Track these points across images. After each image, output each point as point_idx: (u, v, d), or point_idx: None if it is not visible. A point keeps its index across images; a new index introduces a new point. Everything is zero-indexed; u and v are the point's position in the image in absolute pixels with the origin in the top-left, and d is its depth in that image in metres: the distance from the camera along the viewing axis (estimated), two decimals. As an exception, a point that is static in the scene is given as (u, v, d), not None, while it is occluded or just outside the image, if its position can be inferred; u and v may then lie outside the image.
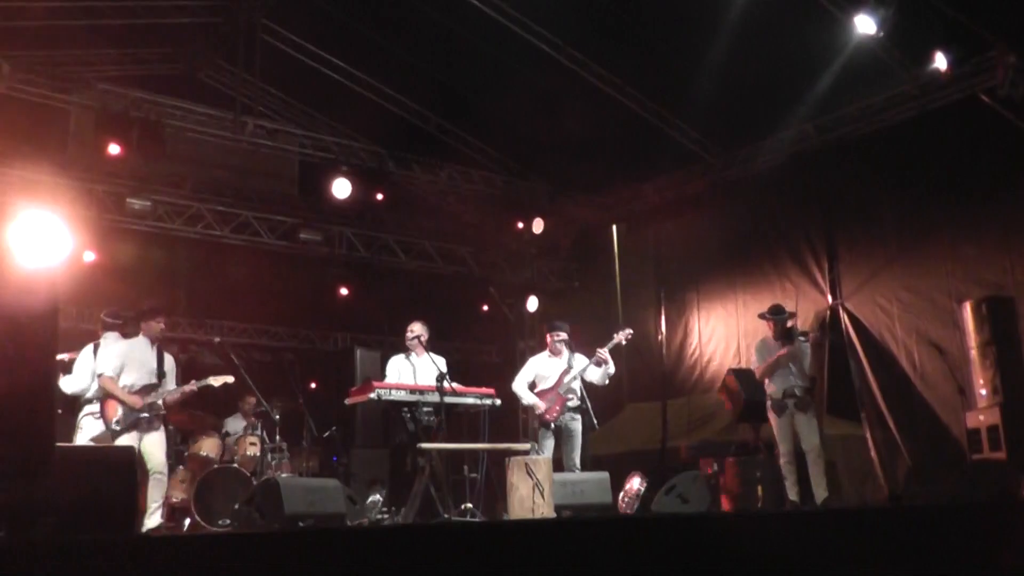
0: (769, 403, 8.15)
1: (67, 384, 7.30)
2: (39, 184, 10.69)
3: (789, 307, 8.70)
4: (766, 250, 10.94)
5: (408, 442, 7.47)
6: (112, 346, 7.38)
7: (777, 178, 10.60)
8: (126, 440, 6.95)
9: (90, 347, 7.50)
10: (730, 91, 9.70)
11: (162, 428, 7.37)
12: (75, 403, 7.38)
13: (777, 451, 8.05)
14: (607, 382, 8.28)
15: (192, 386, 7.47)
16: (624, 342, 8.41)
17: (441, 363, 7.99)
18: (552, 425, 8.10)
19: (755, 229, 10.86)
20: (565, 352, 8.32)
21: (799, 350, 8.15)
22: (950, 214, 9.22)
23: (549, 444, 8.08)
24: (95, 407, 7.19)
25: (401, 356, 8.26)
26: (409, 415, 7.48)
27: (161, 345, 7.55)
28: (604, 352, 8.14)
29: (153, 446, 7.17)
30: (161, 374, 7.35)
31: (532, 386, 8.36)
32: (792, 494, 7.92)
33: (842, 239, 10.25)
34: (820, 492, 7.80)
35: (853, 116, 9.89)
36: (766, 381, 8.19)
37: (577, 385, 8.21)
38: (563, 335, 8.39)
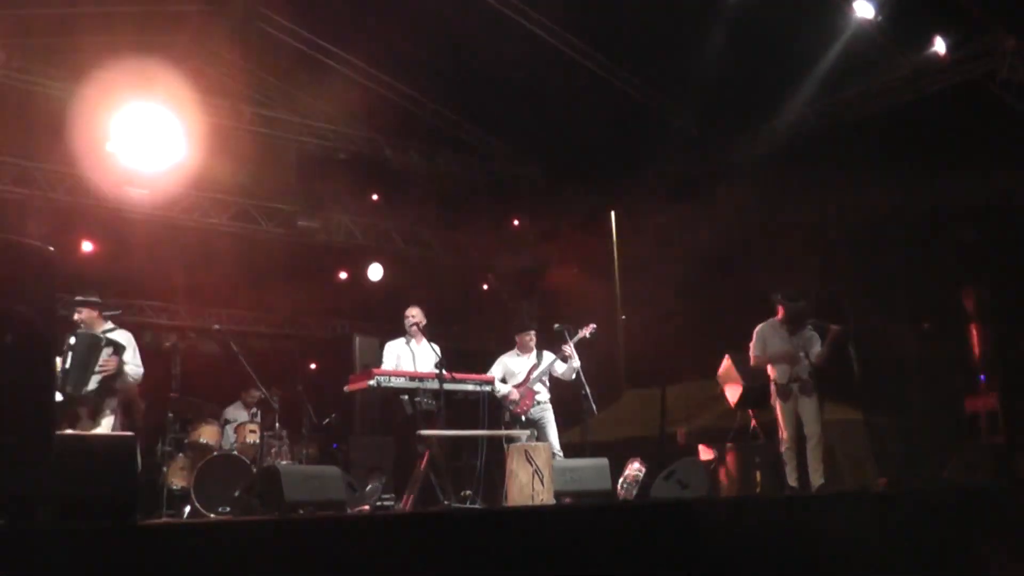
0: (774, 388, 8.08)
1: (135, 371, 7.27)
2: (36, 171, 10.69)
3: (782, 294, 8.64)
4: (765, 235, 10.93)
5: (408, 429, 7.47)
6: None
7: (776, 163, 10.58)
8: None
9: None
10: (729, 76, 9.68)
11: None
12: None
13: (780, 436, 8.04)
14: (573, 376, 8.43)
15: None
16: (588, 335, 8.63)
17: (436, 350, 8.03)
18: (523, 418, 8.39)
19: (754, 213, 10.84)
20: (534, 350, 8.67)
21: (808, 338, 8.10)
22: (950, 198, 9.20)
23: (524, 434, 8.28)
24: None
25: (400, 341, 8.26)
26: (408, 402, 7.49)
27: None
28: (569, 348, 8.40)
29: None
30: None
31: (503, 382, 8.63)
32: (792, 480, 7.89)
33: (840, 222, 10.24)
34: (816, 478, 7.80)
35: (852, 100, 9.88)
36: (769, 366, 8.16)
37: (546, 378, 8.58)
38: (533, 334, 8.74)
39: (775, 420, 8.14)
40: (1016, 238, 8.65)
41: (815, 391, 7.99)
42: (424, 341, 8.05)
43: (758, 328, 8.34)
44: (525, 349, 8.71)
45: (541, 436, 8.35)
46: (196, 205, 11.70)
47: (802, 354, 8.00)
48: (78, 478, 4.19)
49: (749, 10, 8.71)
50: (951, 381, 8.87)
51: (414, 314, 8.23)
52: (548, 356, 8.58)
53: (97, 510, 4.12)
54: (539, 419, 8.45)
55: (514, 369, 8.65)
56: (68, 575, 3.30)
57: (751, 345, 8.33)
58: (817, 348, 8.07)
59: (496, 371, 8.67)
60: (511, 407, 8.44)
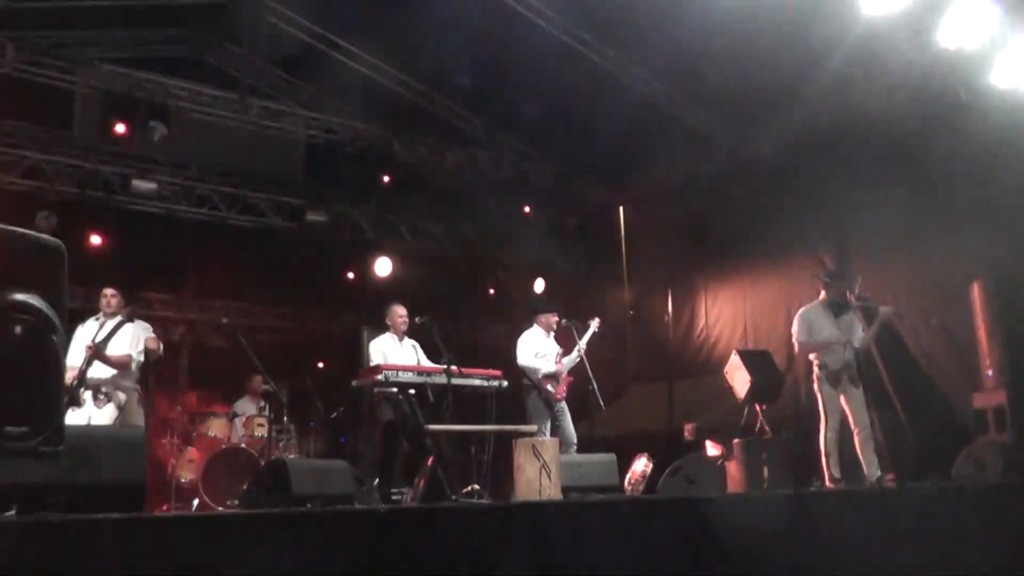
0: (820, 373, 7.91)
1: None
2: (45, 163, 10.71)
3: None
4: (773, 232, 10.90)
5: (411, 424, 7.47)
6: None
7: (785, 160, 10.55)
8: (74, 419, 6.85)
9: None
10: (740, 73, 9.65)
11: (111, 405, 7.16)
12: None
13: (823, 424, 7.84)
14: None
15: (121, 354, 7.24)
16: (596, 330, 8.76)
17: (417, 346, 8.16)
18: (556, 406, 8.29)
19: (762, 211, 10.82)
20: (552, 332, 8.72)
21: (851, 322, 7.96)
22: (959, 194, 9.16)
23: (550, 425, 8.29)
24: None
25: (386, 337, 8.25)
26: (415, 396, 7.49)
27: (128, 317, 7.38)
28: (583, 344, 8.53)
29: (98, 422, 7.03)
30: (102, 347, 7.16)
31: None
32: (836, 472, 7.67)
33: (850, 220, 10.21)
34: (873, 470, 7.65)
35: (862, 97, 9.83)
36: (813, 352, 8.00)
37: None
38: (557, 315, 8.75)
39: (817, 410, 7.91)
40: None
41: (861, 380, 7.89)
42: (406, 339, 8.17)
43: (801, 312, 8.15)
44: (549, 330, 8.70)
45: (563, 423, 8.39)
46: (204, 198, 11.72)
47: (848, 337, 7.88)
48: (88, 470, 4.21)
49: (761, 7, 8.67)
50: (959, 377, 8.83)
51: (402, 313, 8.26)
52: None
53: (105, 502, 4.14)
54: (562, 407, 8.49)
55: (543, 350, 8.60)
56: (76, 567, 3.31)
57: (794, 331, 8.14)
58: (860, 333, 7.97)
59: (529, 348, 8.61)
60: (552, 390, 8.41)
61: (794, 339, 8.15)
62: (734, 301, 11.47)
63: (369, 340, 11.75)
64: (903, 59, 9.15)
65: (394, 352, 8.11)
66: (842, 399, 7.83)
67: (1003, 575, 5.90)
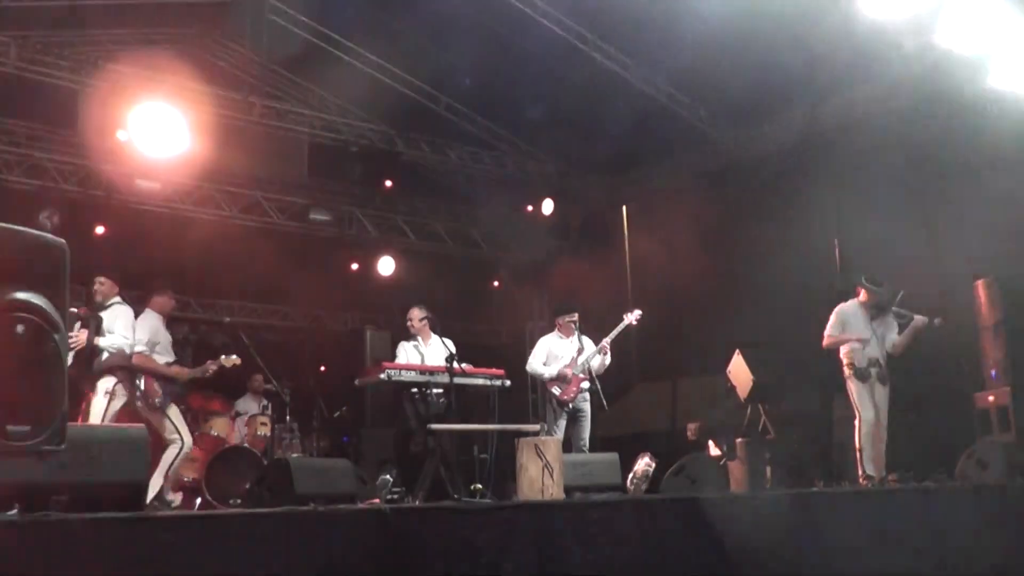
0: (848, 371, 7.98)
1: (109, 342, 7.08)
2: (47, 163, 10.72)
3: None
4: (776, 230, 10.88)
5: (417, 423, 7.47)
6: (145, 322, 7.37)
7: (787, 158, 10.54)
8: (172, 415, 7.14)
9: (130, 310, 7.35)
10: (741, 73, 9.64)
11: None
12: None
13: (857, 420, 7.90)
14: (602, 372, 8.40)
15: (211, 365, 7.49)
16: (635, 323, 8.54)
17: (449, 344, 8.04)
18: (569, 407, 8.24)
19: (765, 209, 10.81)
20: (575, 333, 8.47)
21: (887, 324, 8.02)
22: (963, 192, 9.15)
23: (563, 424, 8.26)
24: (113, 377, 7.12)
25: (411, 344, 8.26)
26: (419, 396, 7.49)
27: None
28: (607, 341, 8.39)
29: (182, 420, 7.41)
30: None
31: (544, 366, 8.51)
32: (870, 468, 7.73)
33: (852, 218, 10.19)
34: (879, 470, 7.76)
35: (863, 97, 9.82)
36: (845, 348, 8.04)
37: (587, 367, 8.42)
38: (575, 316, 8.57)
39: (852, 406, 7.97)
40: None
41: (889, 380, 7.94)
42: (434, 338, 8.07)
43: (838, 308, 8.21)
44: (567, 332, 8.56)
45: (579, 427, 8.33)
46: (208, 198, 11.73)
47: (879, 337, 7.94)
48: (91, 468, 4.21)
49: (762, 5, 8.67)
50: (962, 376, 8.82)
51: (412, 316, 8.24)
52: (588, 342, 8.47)
53: (108, 501, 4.15)
54: (581, 409, 8.38)
55: (557, 352, 8.50)
56: (78, 566, 3.32)
57: (829, 324, 8.17)
58: (894, 336, 8.01)
59: (538, 354, 8.56)
60: (558, 392, 8.34)
61: (825, 331, 8.18)
62: (736, 300, 11.44)
63: (372, 340, 11.81)
64: (905, 59, 9.13)
65: (416, 356, 8.11)
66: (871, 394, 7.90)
67: (1003, 575, 5.89)
